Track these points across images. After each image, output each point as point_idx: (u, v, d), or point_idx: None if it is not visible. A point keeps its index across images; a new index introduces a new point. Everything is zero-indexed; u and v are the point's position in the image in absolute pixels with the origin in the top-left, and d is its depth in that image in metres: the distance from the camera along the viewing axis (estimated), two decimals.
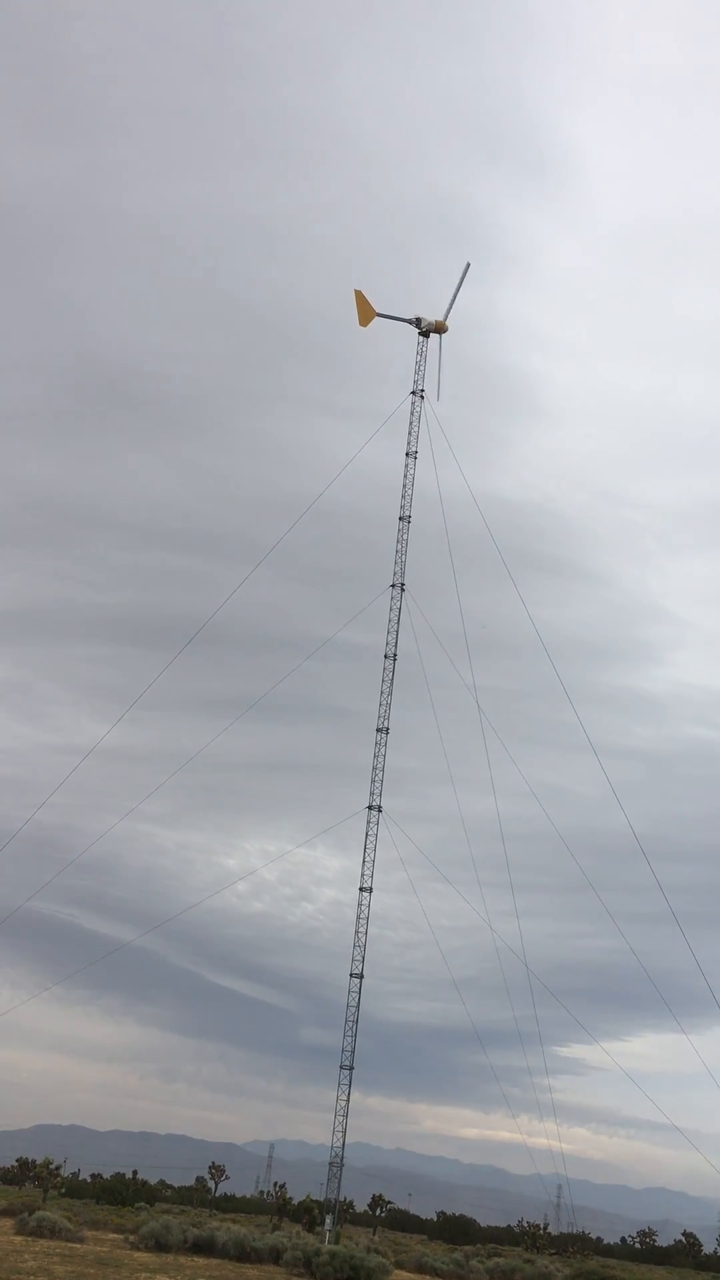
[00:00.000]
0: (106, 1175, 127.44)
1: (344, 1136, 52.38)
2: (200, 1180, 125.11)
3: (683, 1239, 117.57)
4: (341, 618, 66.86)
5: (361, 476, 69.41)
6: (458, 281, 65.45)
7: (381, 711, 58.11)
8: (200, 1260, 39.67)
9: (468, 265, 65.55)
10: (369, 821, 56.31)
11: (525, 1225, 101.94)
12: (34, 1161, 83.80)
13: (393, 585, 60.30)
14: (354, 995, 53.87)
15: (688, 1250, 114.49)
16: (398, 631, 59.28)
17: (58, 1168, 76.81)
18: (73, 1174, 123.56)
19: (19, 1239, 39.20)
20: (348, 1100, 52.50)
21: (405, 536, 61.18)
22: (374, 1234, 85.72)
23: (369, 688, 59.90)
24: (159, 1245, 41.41)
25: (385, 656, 59.00)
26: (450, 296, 65.71)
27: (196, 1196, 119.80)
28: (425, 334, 65.70)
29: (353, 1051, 53.19)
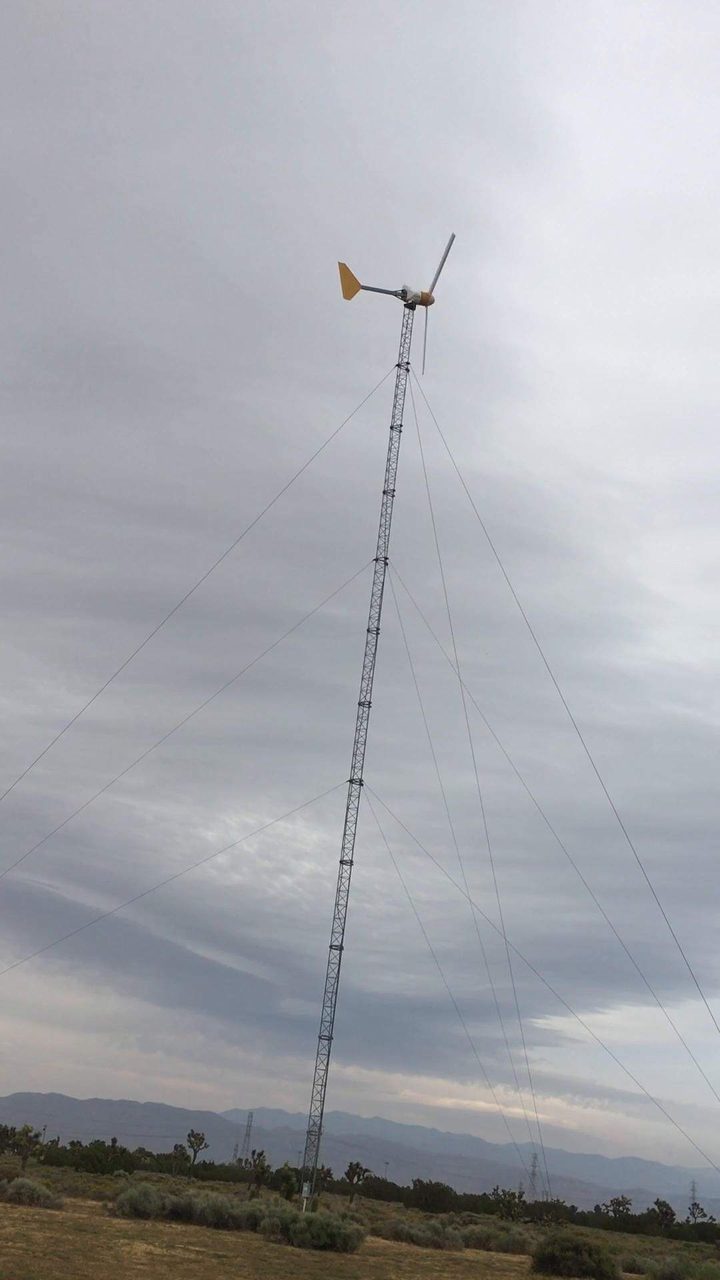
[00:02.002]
0: (86, 1143, 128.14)
1: (322, 1106, 52.79)
2: (179, 1148, 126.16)
3: (656, 1208, 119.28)
4: (322, 592, 66.82)
5: (343, 451, 69.25)
6: (443, 253, 64.91)
7: (363, 686, 58.14)
8: (178, 1227, 39.98)
9: (453, 236, 64.88)
10: (350, 795, 56.44)
11: (501, 1193, 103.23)
12: (13, 1129, 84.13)
13: (375, 559, 60.17)
14: (333, 967, 54.19)
15: (660, 1219, 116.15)
16: (380, 605, 59.24)
17: (37, 1135, 77.24)
18: (52, 1142, 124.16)
19: None
20: (326, 1070, 52.90)
21: (389, 511, 61.03)
22: (351, 1201, 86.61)
23: (348, 662, 60.06)
24: (137, 1212, 41.71)
25: (368, 631, 58.97)
26: (436, 268, 65.23)
27: (175, 1164, 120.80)
28: (411, 306, 65.20)
29: (332, 1022, 53.55)
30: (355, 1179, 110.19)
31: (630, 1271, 45.13)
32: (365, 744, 57.27)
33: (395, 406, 63.04)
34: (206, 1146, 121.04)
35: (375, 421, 64.06)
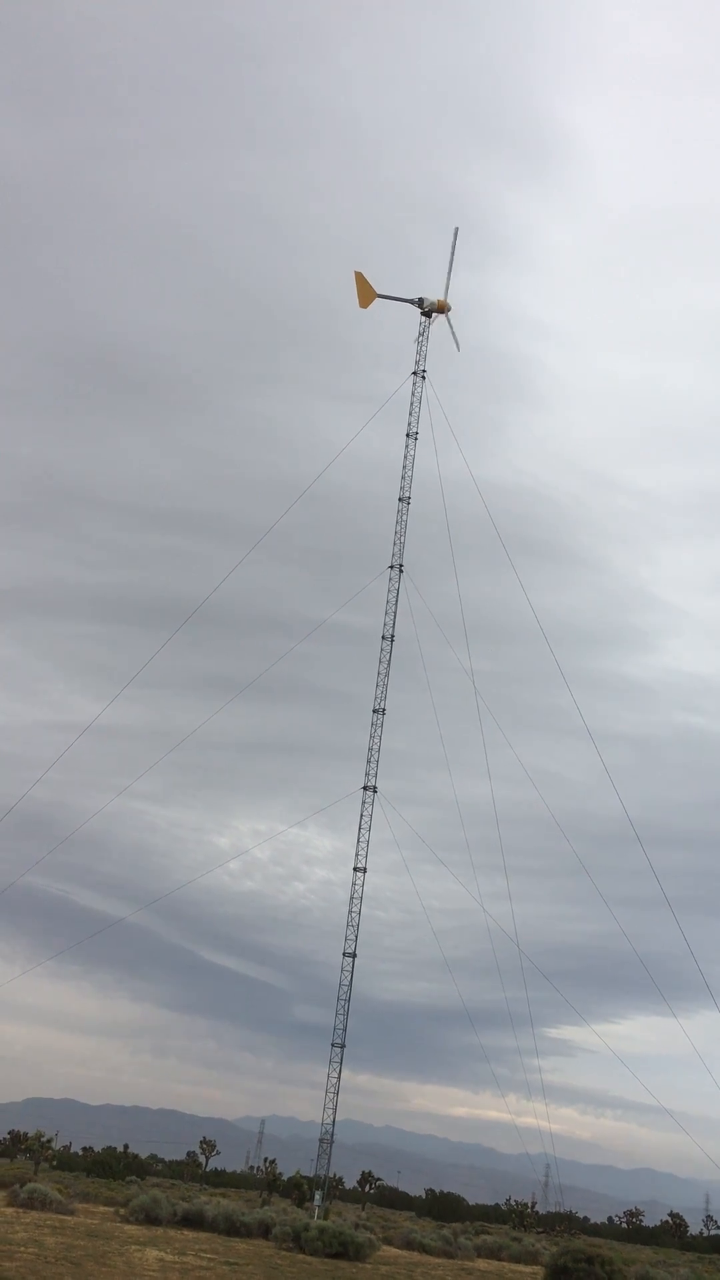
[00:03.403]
0: (98, 1149, 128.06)
1: (334, 1114, 52.71)
2: (191, 1155, 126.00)
3: (669, 1220, 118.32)
4: (334, 600, 67.02)
5: (357, 460, 69.42)
6: (451, 248, 64.78)
7: (378, 693, 58.13)
8: (190, 1234, 39.94)
9: (456, 230, 64.78)
10: (364, 802, 56.41)
11: (513, 1204, 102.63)
12: (26, 1134, 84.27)
13: (391, 567, 60.20)
14: (347, 974, 54.12)
15: (674, 1231, 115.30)
16: (395, 612, 59.24)
17: (49, 1141, 77.20)
18: (64, 1147, 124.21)
19: (10, 1210, 39.46)
20: (339, 1078, 52.84)
21: (405, 518, 61.08)
22: (363, 1210, 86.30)
23: (360, 670, 60.25)
24: (149, 1219, 41.68)
25: (383, 638, 58.96)
26: (446, 269, 65.15)
27: (187, 1171, 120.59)
28: (427, 314, 65.32)
29: (344, 1029, 53.47)
30: (367, 1187, 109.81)
31: None
32: (380, 751, 57.26)
33: (411, 414, 63.15)
34: (218, 1153, 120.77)
35: (388, 430, 64.19)
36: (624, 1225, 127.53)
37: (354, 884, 55.41)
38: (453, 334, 65.10)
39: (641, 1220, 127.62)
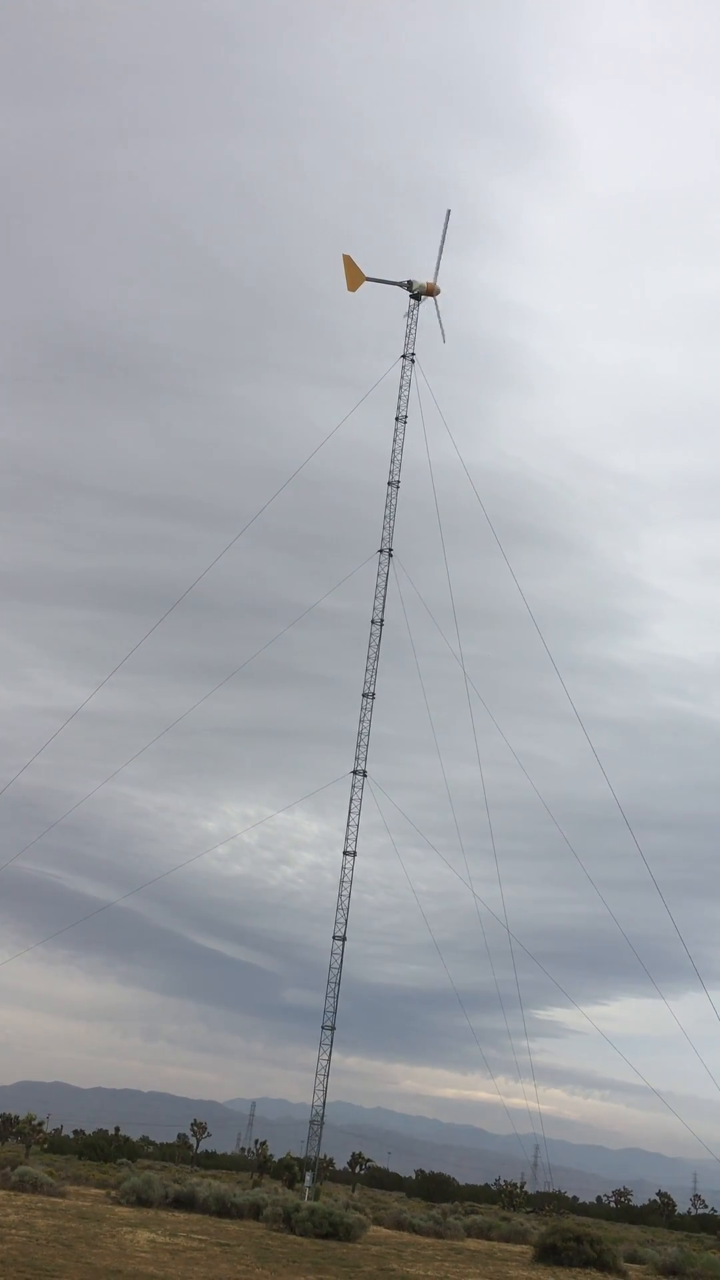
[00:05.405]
0: (89, 1132, 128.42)
1: (324, 1095, 52.95)
2: (182, 1137, 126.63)
3: (657, 1199, 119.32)
4: (321, 585, 67.15)
5: (345, 445, 69.26)
6: (442, 231, 64.51)
7: (368, 677, 58.13)
8: (181, 1215, 40.14)
9: (449, 212, 64.48)
10: (354, 786, 56.48)
11: (503, 1184, 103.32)
12: (17, 1117, 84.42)
13: (380, 551, 60.11)
14: (336, 957, 54.28)
15: (662, 1210, 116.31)
16: (385, 596, 59.19)
17: (40, 1124, 77.35)
18: (55, 1130, 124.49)
19: (1, 1193, 39.59)
20: (329, 1060, 53.05)
21: (394, 502, 60.94)
22: (353, 1191, 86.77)
23: (349, 655, 60.25)
24: (140, 1201, 41.85)
25: (372, 623, 58.93)
26: (436, 258, 64.90)
27: (178, 1153, 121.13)
28: (416, 297, 65.02)
29: (334, 1012, 53.67)
30: (357, 1169, 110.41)
31: (631, 1262, 45.24)
32: (370, 735, 57.31)
33: (400, 398, 62.93)
34: (209, 1135, 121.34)
35: (376, 415, 64.00)
36: (613, 1204, 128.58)
37: (344, 868, 55.56)
38: (440, 324, 64.75)
39: (630, 1199, 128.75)
